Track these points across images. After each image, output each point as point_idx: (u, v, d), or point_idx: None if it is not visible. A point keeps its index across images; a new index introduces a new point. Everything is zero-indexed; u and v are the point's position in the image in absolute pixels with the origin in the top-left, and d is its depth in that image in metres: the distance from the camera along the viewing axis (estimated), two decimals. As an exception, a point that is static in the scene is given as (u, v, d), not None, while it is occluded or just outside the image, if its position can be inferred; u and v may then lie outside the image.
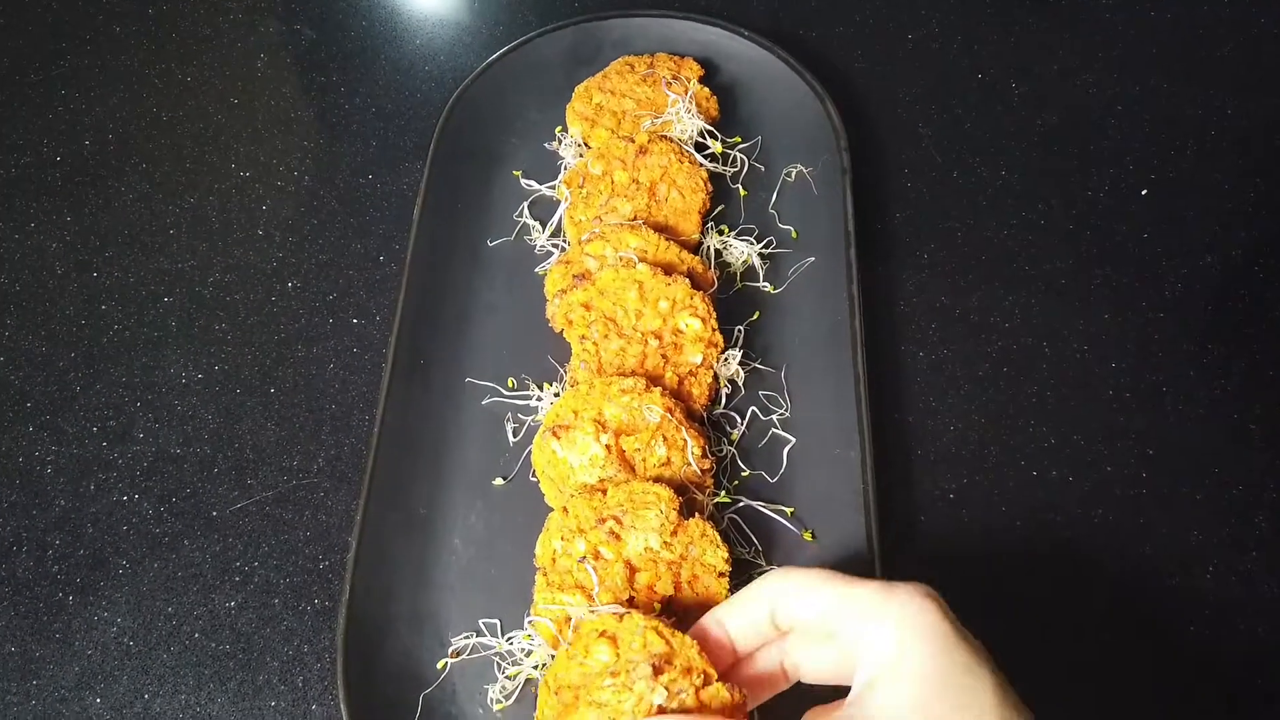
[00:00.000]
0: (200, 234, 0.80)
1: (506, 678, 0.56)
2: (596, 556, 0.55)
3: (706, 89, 0.78)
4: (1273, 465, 0.64)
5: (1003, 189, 0.79)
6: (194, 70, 0.92)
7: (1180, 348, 0.70)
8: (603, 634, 0.42)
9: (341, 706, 0.54)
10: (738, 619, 0.44)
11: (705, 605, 0.51)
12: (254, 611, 0.62)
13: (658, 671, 0.40)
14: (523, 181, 0.78)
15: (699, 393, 0.64)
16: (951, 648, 0.38)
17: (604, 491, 0.58)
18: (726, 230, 0.74)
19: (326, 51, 0.92)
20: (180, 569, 0.64)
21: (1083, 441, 0.66)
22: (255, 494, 0.67)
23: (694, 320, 0.64)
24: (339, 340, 0.73)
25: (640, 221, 0.70)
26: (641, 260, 0.67)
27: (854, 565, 0.57)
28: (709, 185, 0.73)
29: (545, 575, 0.57)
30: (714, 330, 0.65)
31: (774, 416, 0.65)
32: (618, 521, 0.56)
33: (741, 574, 0.57)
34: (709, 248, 0.73)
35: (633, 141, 0.73)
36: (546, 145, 0.80)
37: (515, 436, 0.66)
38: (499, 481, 0.64)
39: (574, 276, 0.67)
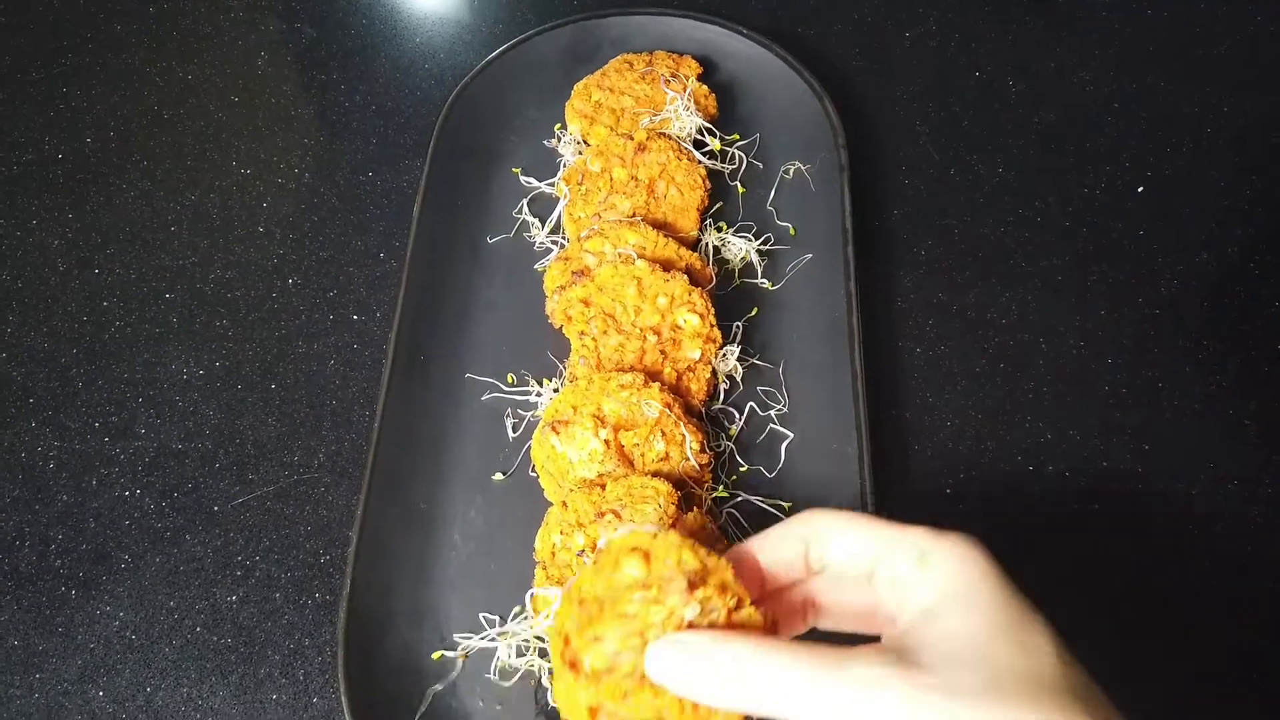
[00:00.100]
0: (201, 231, 0.80)
1: (506, 670, 0.57)
2: (595, 550, 0.55)
3: (705, 87, 0.79)
4: (1269, 461, 0.65)
5: (1000, 186, 0.79)
6: (195, 68, 0.92)
7: (1176, 344, 0.70)
8: (635, 549, 0.39)
9: (342, 699, 0.54)
10: (771, 551, 0.42)
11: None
12: (255, 605, 0.63)
13: (693, 586, 0.37)
14: (522, 179, 0.78)
15: (697, 388, 0.64)
16: (1009, 593, 0.36)
17: (603, 486, 0.58)
18: (725, 227, 0.74)
19: (327, 49, 0.92)
20: (182, 563, 0.64)
21: (1079, 437, 0.66)
22: (256, 489, 0.67)
23: (692, 316, 0.65)
24: (339, 336, 0.74)
25: (639, 218, 0.70)
26: (640, 257, 0.67)
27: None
28: (707, 182, 0.73)
29: (545, 569, 0.57)
30: (712, 326, 0.65)
31: (772, 412, 0.66)
32: (616, 516, 0.56)
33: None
34: (707, 244, 0.73)
35: (631, 139, 0.74)
36: (546, 143, 0.80)
37: (515, 432, 0.66)
38: (498, 476, 0.64)
39: (573, 273, 0.68)
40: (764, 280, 0.72)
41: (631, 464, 0.60)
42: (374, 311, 0.75)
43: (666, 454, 0.60)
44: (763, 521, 0.61)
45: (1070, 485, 0.64)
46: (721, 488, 0.62)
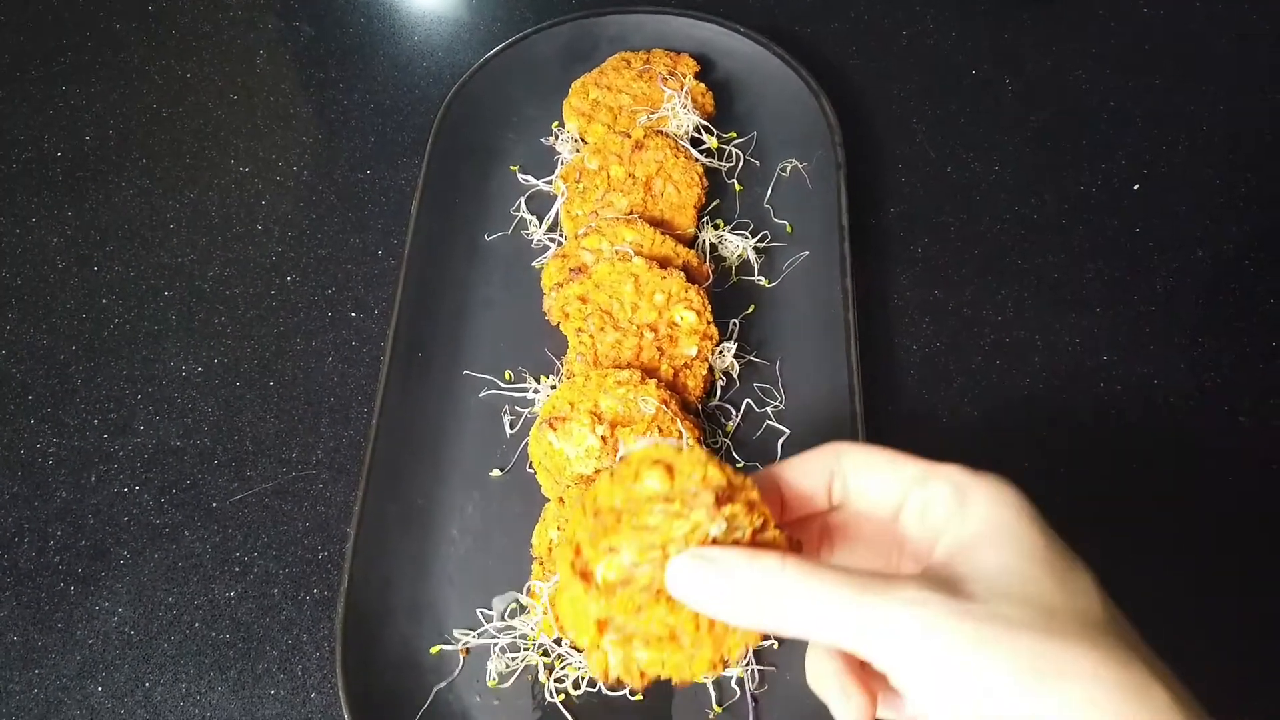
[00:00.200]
0: (200, 228, 0.81)
1: (504, 665, 0.57)
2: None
3: (702, 85, 0.79)
4: (1267, 459, 0.65)
5: (996, 184, 0.79)
6: (194, 66, 0.92)
7: (1172, 341, 0.70)
8: (658, 461, 0.37)
9: (340, 695, 0.54)
10: (796, 478, 0.40)
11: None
12: (254, 601, 0.63)
13: (719, 502, 0.35)
14: (520, 176, 0.78)
15: (694, 385, 0.64)
16: (1050, 534, 0.34)
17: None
18: (722, 224, 0.75)
19: (325, 48, 0.93)
20: (180, 559, 0.65)
21: (1075, 434, 0.66)
22: (255, 485, 0.67)
23: (689, 313, 0.65)
24: (337, 333, 0.74)
25: (636, 216, 0.71)
26: (637, 254, 0.67)
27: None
28: (704, 180, 0.73)
29: (541, 564, 0.58)
30: (709, 323, 0.65)
31: (768, 409, 0.66)
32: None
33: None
34: (704, 242, 0.73)
35: (629, 137, 0.74)
36: (543, 140, 0.81)
37: (512, 428, 0.66)
38: (496, 473, 0.65)
39: (570, 270, 0.68)
40: (761, 278, 0.72)
41: (628, 460, 0.60)
42: (372, 309, 0.75)
43: (663, 450, 0.60)
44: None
45: (1065, 483, 0.64)
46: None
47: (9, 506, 0.67)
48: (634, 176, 0.73)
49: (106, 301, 0.77)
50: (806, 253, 0.72)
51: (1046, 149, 0.81)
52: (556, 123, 0.81)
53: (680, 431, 0.60)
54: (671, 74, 0.79)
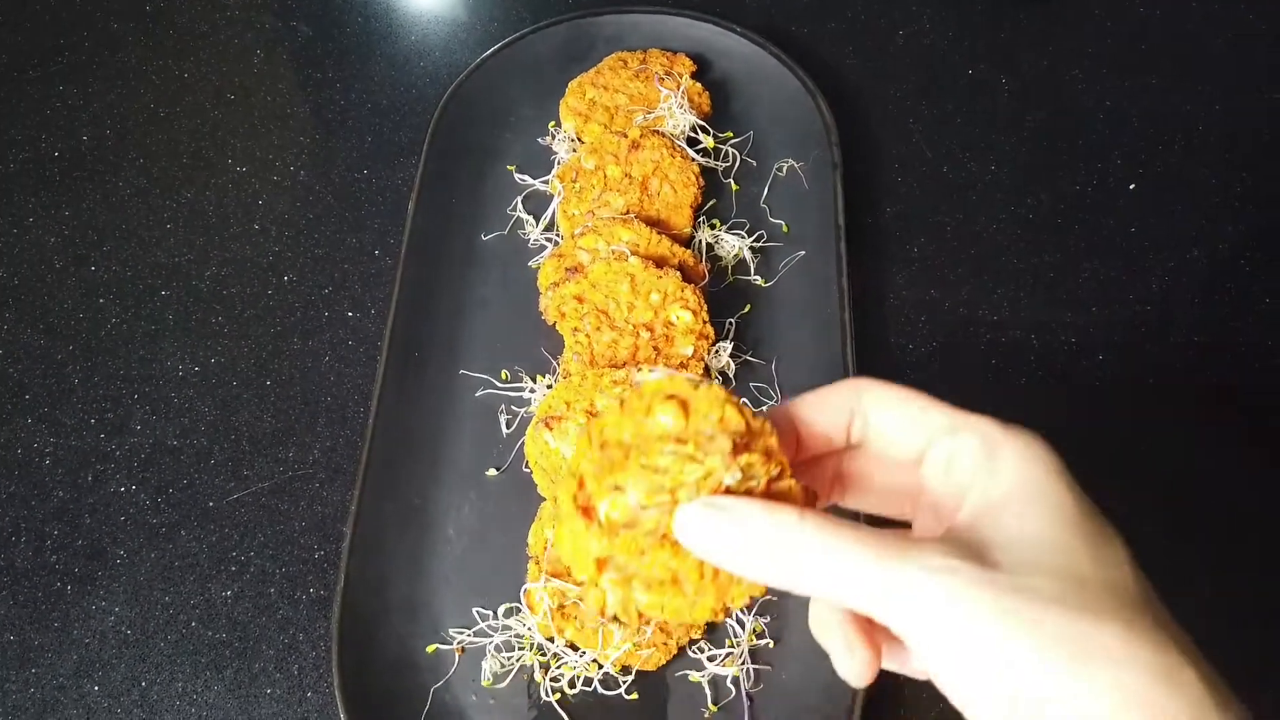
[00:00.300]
0: (197, 228, 0.81)
1: (499, 664, 0.57)
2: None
3: (699, 84, 0.79)
4: (1265, 458, 0.65)
5: (992, 184, 0.79)
6: (191, 66, 0.92)
7: (1167, 340, 0.70)
8: (672, 396, 0.35)
9: (336, 694, 0.55)
10: (815, 415, 0.37)
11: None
12: (250, 601, 0.63)
13: (737, 450, 0.33)
14: (516, 176, 0.78)
15: (690, 384, 0.64)
16: (1082, 498, 0.33)
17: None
18: (718, 224, 0.75)
19: (323, 48, 0.93)
20: (177, 559, 0.65)
21: (1070, 433, 0.66)
22: (251, 485, 0.67)
23: (685, 313, 0.65)
24: (334, 333, 0.74)
25: (632, 215, 0.71)
26: (634, 253, 0.67)
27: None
28: (701, 180, 0.74)
29: (538, 563, 0.58)
30: (705, 323, 0.65)
31: (765, 408, 0.66)
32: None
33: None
34: (700, 241, 0.73)
35: (625, 136, 0.74)
36: (540, 140, 0.81)
37: (508, 428, 0.66)
38: (492, 472, 0.65)
39: (567, 270, 0.68)
40: (757, 277, 0.72)
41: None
42: (369, 308, 0.75)
43: (659, 449, 0.60)
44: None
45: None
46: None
47: (6, 506, 0.67)
48: (630, 176, 0.73)
49: (103, 301, 0.77)
50: (803, 252, 0.72)
51: (1043, 149, 0.81)
52: (553, 122, 0.81)
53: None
54: (668, 74, 0.79)
